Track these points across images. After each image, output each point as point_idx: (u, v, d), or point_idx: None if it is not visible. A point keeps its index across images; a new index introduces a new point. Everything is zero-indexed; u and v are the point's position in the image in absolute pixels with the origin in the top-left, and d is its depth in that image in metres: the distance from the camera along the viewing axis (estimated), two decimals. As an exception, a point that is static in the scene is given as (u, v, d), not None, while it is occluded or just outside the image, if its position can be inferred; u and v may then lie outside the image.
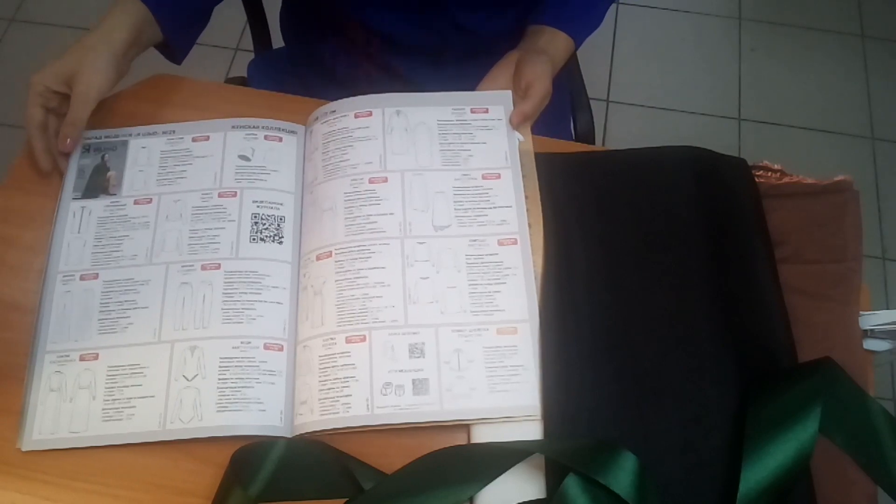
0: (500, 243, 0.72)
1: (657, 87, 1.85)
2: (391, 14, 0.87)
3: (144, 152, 0.78)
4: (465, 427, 0.65)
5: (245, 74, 1.14)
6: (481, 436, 0.64)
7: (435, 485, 0.61)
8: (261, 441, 0.64)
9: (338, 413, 0.65)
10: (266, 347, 0.69)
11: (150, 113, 0.81)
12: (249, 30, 1.14)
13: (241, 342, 0.68)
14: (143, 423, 0.65)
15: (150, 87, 0.83)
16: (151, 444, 0.65)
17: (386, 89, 0.94)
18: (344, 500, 0.61)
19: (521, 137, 0.77)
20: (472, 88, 0.82)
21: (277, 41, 1.13)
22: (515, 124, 0.78)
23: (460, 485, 0.61)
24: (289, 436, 0.66)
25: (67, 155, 0.77)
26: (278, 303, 0.71)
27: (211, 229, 0.73)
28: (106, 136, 0.79)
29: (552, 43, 0.84)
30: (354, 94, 0.80)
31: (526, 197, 0.74)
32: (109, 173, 0.77)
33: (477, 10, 0.88)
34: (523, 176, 0.75)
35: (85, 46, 0.74)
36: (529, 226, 0.73)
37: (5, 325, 0.70)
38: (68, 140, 0.75)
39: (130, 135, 0.79)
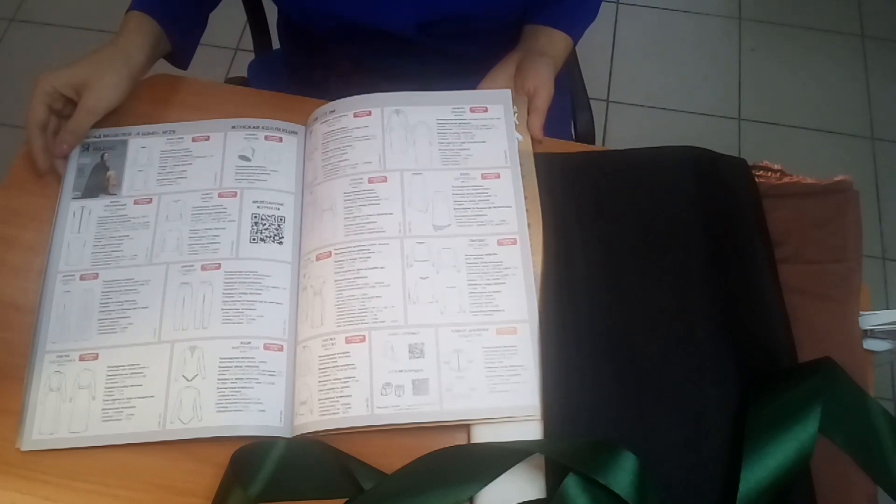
0: (500, 243, 0.72)
1: (657, 87, 1.85)
2: (377, 48, 0.87)
3: (144, 152, 0.78)
4: (465, 427, 0.65)
5: (245, 74, 1.14)
6: (481, 436, 0.64)
7: (435, 485, 0.61)
8: (261, 441, 0.64)
9: (338, 413, 0.65)
10: (266, 348, 0.68)
11: (150, 113, 0.81)
12: (249, 30, 1.14)
13: (241, 342, 0.68)
14: (143, 424, 0.65)
15: (150, 87, 0.83)
16: (151, 444, 0.65)
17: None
18: (344, 500, 0.61)
19: (520, 137, 0.77)
20: (477, 84, 0.81)
21: (277, 41, 1.13)
22: (539, 136, 0.78)
23: (460, 485, 0.61)
24: (289, 436, 0.66)
25: (65, 157, 0.77)
26: (278, 303, 0.71)
27: (211, 229, 0.73)
28: (105, 136, 0.79)
29: (551, 43, 0.84)
30: (352, 94, 0.80)
31: (525, 197, 0.74)
32: (109, 173, 0.77)
33: (464, 40, 0.88)
34: (522, 176, 0.75)
35: (103, 61, 0.76)
36: (529, 226, 0.72)
37: (5, 325, 0.70)
38: (65, 146, 0.76)
39: (130, 134, 0.79)
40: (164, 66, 0.84)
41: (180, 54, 0.85)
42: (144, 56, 0.78)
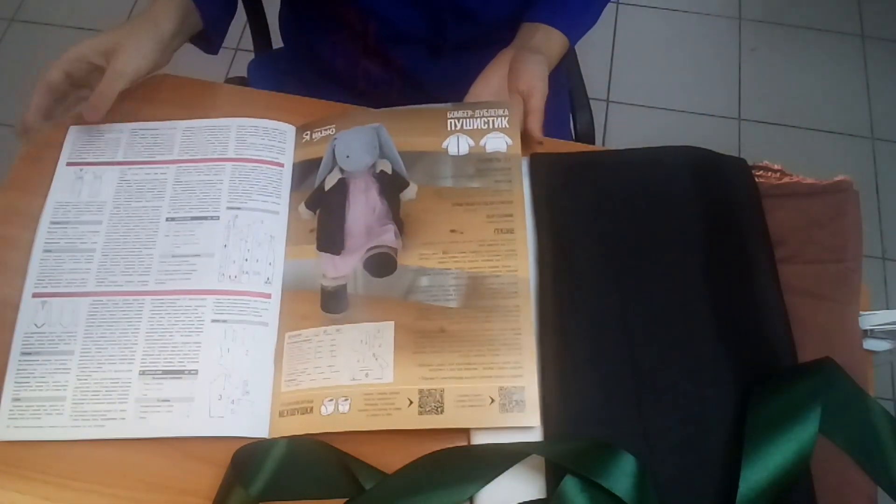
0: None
1: (657, 87, 1.85)
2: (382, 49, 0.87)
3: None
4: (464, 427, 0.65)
5: (245, 74, 1.14)
6: (481, 436, 0.64)
7: (435, 485, 0.61)
8: (261, 441, 0.64)
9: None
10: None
11: (149, 113, 0.81)
12: (249, 30, 1.15)
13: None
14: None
15: (150, 87, 0.83)
16: (151, 444, 0.65)
17: (384, 86, 0.93)
18: (344, 499, 0.61)
19: (510, 141, 0.76)
20: (471, 81, 0.81)
21: (277, 41, 1.13)
22: (540, 137, 0.77)
23: (460, 485, 0.61)
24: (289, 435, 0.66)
25: (93, 122, 0.77)
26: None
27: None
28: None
29: (547, 41, 0.83)
30: (353, 93, 0.80)
31: (511, 202, 0.73)
32: None
33: (467, 46, 0.87)
34: (510, 181, 0.74)
35: (132, 28, 0.77)
36: (513, 230, 0.71)
37: (5, 326, 0.70)
38: (94, 112, 0.75)
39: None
40: (164, 68, 0.84)
41: (211, 33, 0.84)
42: (173, 25, 0.78)
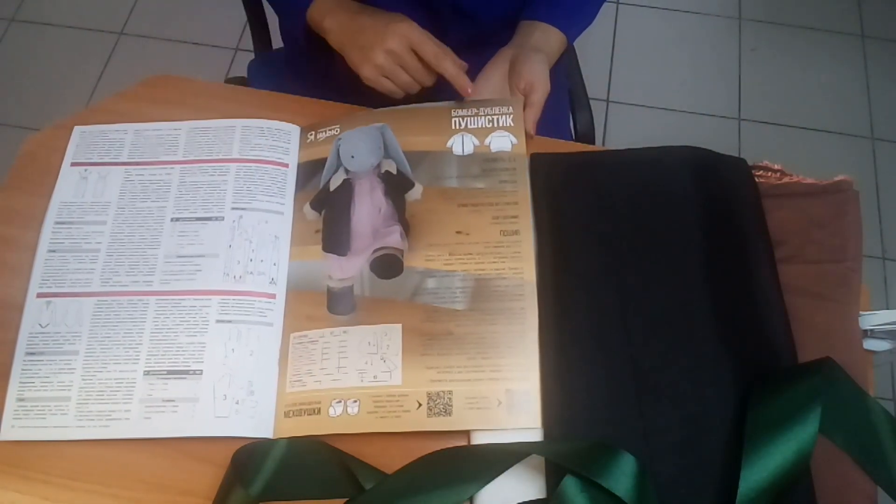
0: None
1: (657, 87, 1.85)
2: None
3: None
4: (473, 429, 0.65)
5: (245, 74, 1.14)
6: (481, 436, 0.64)
7: (435, 485, 0.61)
8: (261, 441, 0.64)
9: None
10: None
11: (150, 113, 0.81)
12: (249, 30, 1.14)
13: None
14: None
15: (149, 87, 0.83)
16: (151, 444, 0.65)
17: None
18: (344, 500, 0.61)
19: (515, 140, 0.76)
20: (471, 80, 0.80)
21: (277, 41, 1.13)
22: (532, 131, 0.77)
23: (460, 485, 0.61)
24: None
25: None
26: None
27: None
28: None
29: (545, 40, 0.83)
30: (353, 93, 0.80)
31: (516, 203, 0.73)
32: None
33: (467, 45, 0.87)
34: (515, 181, 0.74)
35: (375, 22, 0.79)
36: (518, 232, 0.71)
37: (5, 326, 0.70)
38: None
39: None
40: (164, 67, 0.84)
41: None
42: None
